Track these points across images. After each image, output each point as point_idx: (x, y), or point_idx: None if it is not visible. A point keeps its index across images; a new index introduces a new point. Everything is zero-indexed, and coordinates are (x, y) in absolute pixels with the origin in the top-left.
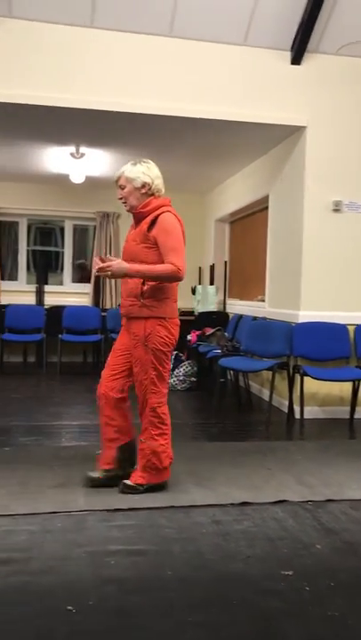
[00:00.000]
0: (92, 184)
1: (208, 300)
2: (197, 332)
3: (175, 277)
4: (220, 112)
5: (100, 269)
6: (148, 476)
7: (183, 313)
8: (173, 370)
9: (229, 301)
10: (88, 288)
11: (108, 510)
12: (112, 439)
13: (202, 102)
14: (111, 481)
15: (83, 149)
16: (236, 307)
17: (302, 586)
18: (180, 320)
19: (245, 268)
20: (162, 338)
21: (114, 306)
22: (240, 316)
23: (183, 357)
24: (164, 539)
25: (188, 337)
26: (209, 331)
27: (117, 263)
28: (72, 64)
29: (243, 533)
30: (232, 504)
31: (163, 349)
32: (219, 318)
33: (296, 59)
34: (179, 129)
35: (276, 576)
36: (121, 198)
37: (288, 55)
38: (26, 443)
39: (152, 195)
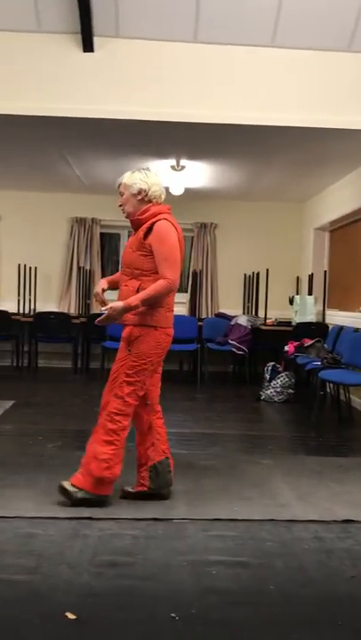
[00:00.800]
0: (191, 196)
1: (306, 310)
2: (295, 343)
3: (169, 290)
4: (324, 120)
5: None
6: (84, 480)
7: (281, 323)
8: (270, 381)
9: (329, 312)
10: (185, 297)
11: (207, 520)
12: (142, 463)
13: (305, 111)
14: (142, 499)
15: (183, 162)
16: (337, 318)
17: None
18: (278, 330)
19: (346, 278)
20: (148, 347)
21: (210, 315)
22: (341, 328)
23: (280, 369)
24: (265, 552)
25: (286, 348)
26: (308, 342)
27: (111, 308)
28: (175, 79)
29: (346, 552)
30: (335, 521)
31: (145, 359)
32: (318, 329)
33: None
34: (280, 138)
35: None
36: (120, 205)
37: None
38: (128, 448)
39: (150, 202)
